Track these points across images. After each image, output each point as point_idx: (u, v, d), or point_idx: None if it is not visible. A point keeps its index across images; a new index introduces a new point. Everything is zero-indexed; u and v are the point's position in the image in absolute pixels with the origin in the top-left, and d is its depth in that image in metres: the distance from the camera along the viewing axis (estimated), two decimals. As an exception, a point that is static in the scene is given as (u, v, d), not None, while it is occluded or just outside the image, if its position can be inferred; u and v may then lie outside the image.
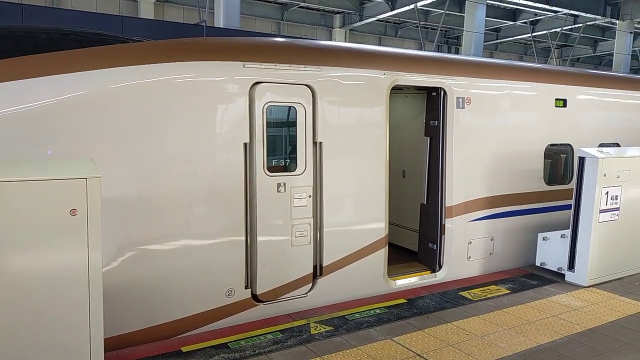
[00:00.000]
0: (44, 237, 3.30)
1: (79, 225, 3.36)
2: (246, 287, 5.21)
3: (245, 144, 5.09)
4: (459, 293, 6.03)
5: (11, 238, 3.23)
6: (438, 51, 28.85)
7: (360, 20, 26.81)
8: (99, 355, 3.53)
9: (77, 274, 3.37)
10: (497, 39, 31.78)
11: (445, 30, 31.27)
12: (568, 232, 6.59)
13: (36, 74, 4.41)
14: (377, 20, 27.05)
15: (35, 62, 4.51)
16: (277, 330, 4.87)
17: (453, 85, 6.52)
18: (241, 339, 4.66)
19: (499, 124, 7.00)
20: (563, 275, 6.65)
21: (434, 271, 6.69)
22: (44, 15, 11.37)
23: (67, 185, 3.34)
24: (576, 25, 26.90)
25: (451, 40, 33.15)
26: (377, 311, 5.40)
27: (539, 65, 9.03)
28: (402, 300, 5.73)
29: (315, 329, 4.92)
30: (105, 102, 4.53)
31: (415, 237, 7.23)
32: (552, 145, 7.63)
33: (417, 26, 24.36)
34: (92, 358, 3.49)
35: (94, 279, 3.42)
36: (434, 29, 27.17)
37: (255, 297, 5.28)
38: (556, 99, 7.60)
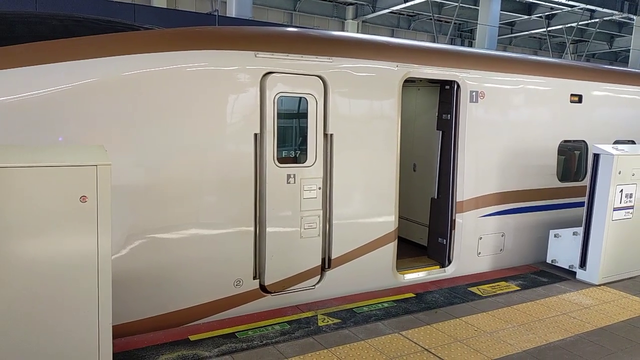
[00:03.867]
0: (54, 223, 3.30)
1: (89, 212, 3.36)
2: (254, 278, 5.21)
3: (255, 135, 5.06)
4: (468, 289, 5.99)
5: (21, 224, 3.24)
6: (451, 44, 28.58)
7: (373, 12, 26.58)
8: (107, 342, 3.54)
9: (86, 261, 3.37)
10: (511, 33, 31.37)
11: (459, 24, 30.93)
12: (580, 230, 6.51)
13: (49, 60, 4.41)
14: (390, 12, 26.80)
15: (48, 48, 4.51)
16: (285, 322, 4.87)
17: (467, 78, 6.43)
18: (249, 329, 4.66)
19: (512, 118, 6.90)
20: (574, 273, 6.58)
21: (443, 266, 6.64)
22: (58, 2, 11.37)
23: (77, 171, 3.33)
24: (592, 21, 26.47)
25: (465, 34, 32.80)
26: (385, 305, 5.37)
27: (554, 60, 8.89)
28: (411, 295, 5.70)
29: (322, 321, 4.91)
30: (116, 89, 4.52)
31: (425, 231, 7.18)
32: (566, 141, 7.52)
33: (431, 19, 24.14)
34: (100, 345, 3.50)
35: (103, 266, 3.42)
36: (448, 22, 26.93)
37: (264, 288, 5.27)
38: (571, 95, 7.48)
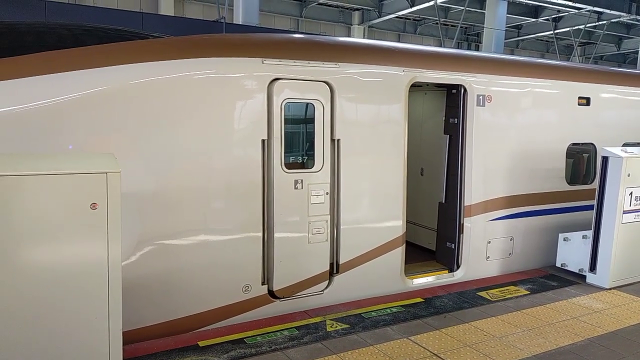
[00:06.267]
0: (65, 230, 3.34)
1: (99, 219, 3.39)
2: (263, 283, 5.22)
3: (263, 141, 5.09)
4: (477, 293, 5.96)
5: (32, 231, 3.28)
6: (458, 48, 28.53)
7: (379, 17, 26.63)
8: (117, 348, 3.57)
9: (96, 268, 3.41)
10: (518, 36, 31.27)
11: (466, 27, 30.90)
12: (590, 233, 6.46)
13: (58, 70, 4.47)
14: (396, 17, 26.82)
15: (58, 57, 4.57)
16: (293, 327, 4.87)
17: (473, 82, 6.43)
18: (257, 335, 4.67)
19: (520, 122, 6.88)
20: (584, 277, 6.53)
21: (451, 270, 6.62)
22: (67, 12, 11.52)
23: (87, 179, 3.37)
24: (600, 23, 26.34)
25: (471, 38, 32.73)
26: (394, 310, 5.36)
27: (561, 63, 8.86)
28: (419, 300, 5.68)
29: (331, 327, 4.91)
30: (125, 97, 4.57)
31: (433, 235, 7.16)
32: (574, 144, 7.49)
33: (437, 23, 24.12)
34: (110, 351, 3.53)
35: (113, 273, 3.46)
36: (454, 26, 26.90)
37: (272, 294, 5.28)
38: (579, 97, 7.45)
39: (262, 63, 5.07)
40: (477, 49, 30.62)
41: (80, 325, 3.44)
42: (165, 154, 4.70)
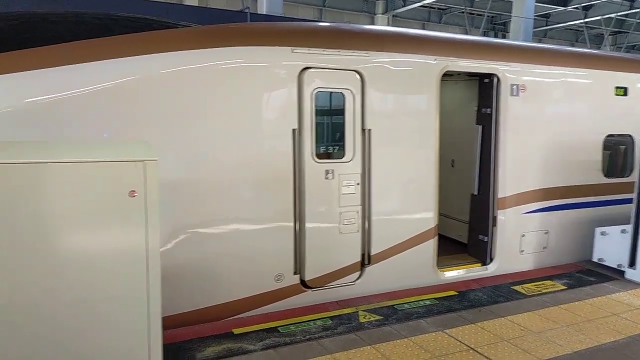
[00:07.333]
0: (105, 217, 3.35)
1: (138, 206, 3.39)
2: (295, 273, 5.19)
3: (294, 130, 5.03)
4: (512, 287, 5.83)
5: (73, 218, 3.29)
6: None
7: (403, 6, 26.30)
8: (156, 331, 3.57)
9: (136, 253, 3.41)
10: (546, 25, 30.54)
11: (492, 16, 30.29)
12: (629, 227, 6.26)
13: (90, 59, 4.49)
14: (421, 5, 26.44)
15: (88, 47, 4.58)
16: (327, 317, 4.83)
17: (507, 71, 6.26)
18: (291, 324, 4.65)
19: (554, 112, 6.70)
20: (622, 272, 6.33)
21: (484, 264, 6.49)
22: (90, 2, 11.53)
23: (126, 167, 3.37)
24: (632, 11, 25.54)
25: (498, 27, 32.10)
26: (427, 302, 5.29)
27: (598, 52, 8.59)
28: (453, 293, 5.59)
29: (364, 318, 4.86)
30: (156, 87, 4.56)
31: (463, 228, 7.04)
32: (611, 135, 7.26)
33: (463, 12, 23.70)
34: (150, 334, 3.54)
35: (152, 258, 3.46)
36: (480, 15, 26.41)
37: (304, 283, 5.25)
38: (616, 87, 7.21)
39: (292, 52, 5.00)
40: (504, 38, 30.02)
41: (120, 309, 3.44)
42: (195, 144, 4.69)
